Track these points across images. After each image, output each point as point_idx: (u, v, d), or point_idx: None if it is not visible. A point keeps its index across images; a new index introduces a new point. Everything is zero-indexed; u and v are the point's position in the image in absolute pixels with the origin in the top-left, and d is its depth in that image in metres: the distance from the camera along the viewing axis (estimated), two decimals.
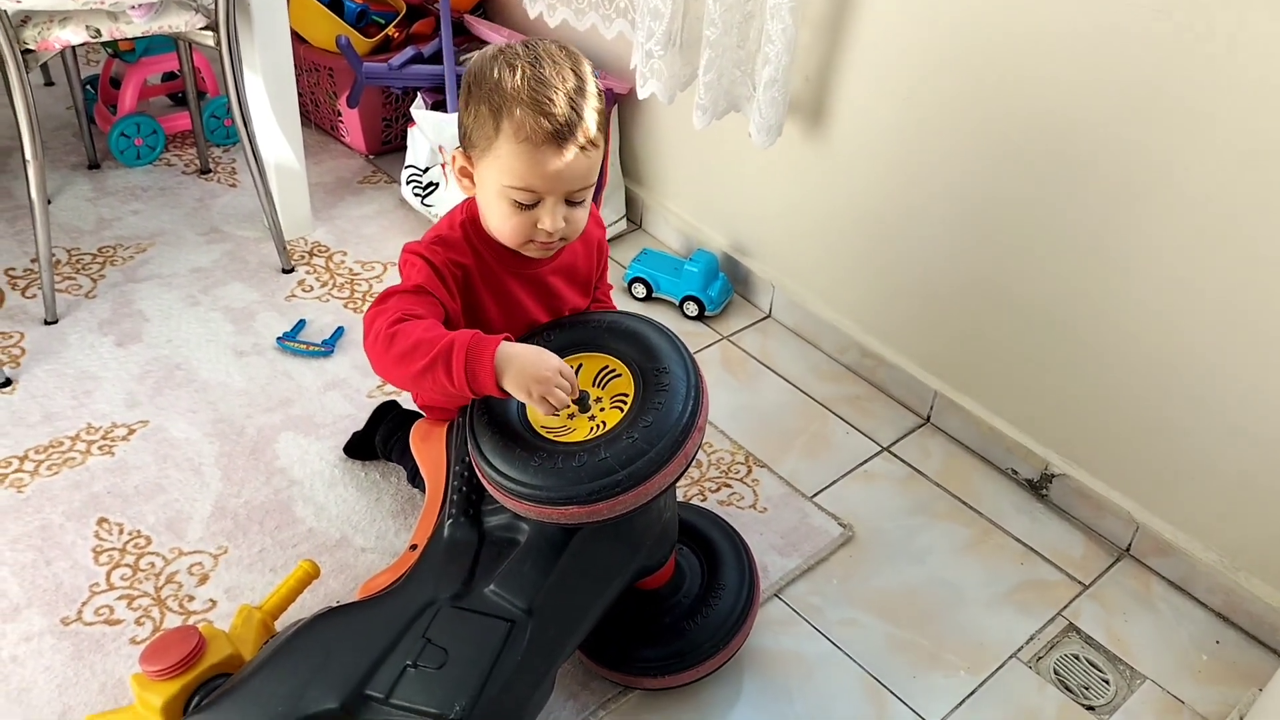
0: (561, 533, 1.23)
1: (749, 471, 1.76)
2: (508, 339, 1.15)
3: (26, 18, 1.68)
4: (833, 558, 1.63)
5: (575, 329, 1.27)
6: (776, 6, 1.67)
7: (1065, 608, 1.59)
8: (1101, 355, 1.62)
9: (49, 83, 2.61)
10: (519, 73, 1.14)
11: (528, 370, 1.11)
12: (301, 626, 1.24)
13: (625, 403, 1.19)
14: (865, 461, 1.82)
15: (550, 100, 1.13)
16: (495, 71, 1.16)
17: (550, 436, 1.18)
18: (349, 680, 1.16)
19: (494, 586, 1.22)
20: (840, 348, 2.02)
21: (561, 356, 1.19)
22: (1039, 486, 1.77)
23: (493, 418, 1.20)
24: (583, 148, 1.17)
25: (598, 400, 1.21)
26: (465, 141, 1.22)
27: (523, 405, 1.22)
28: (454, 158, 1.26)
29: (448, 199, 2.13)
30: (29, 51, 1.67)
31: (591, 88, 1.18)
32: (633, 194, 2.33)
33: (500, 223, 1.23)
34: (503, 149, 1.16)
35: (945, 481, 1.79)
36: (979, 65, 1.60)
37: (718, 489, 1.72)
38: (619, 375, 1.22)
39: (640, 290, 2.11)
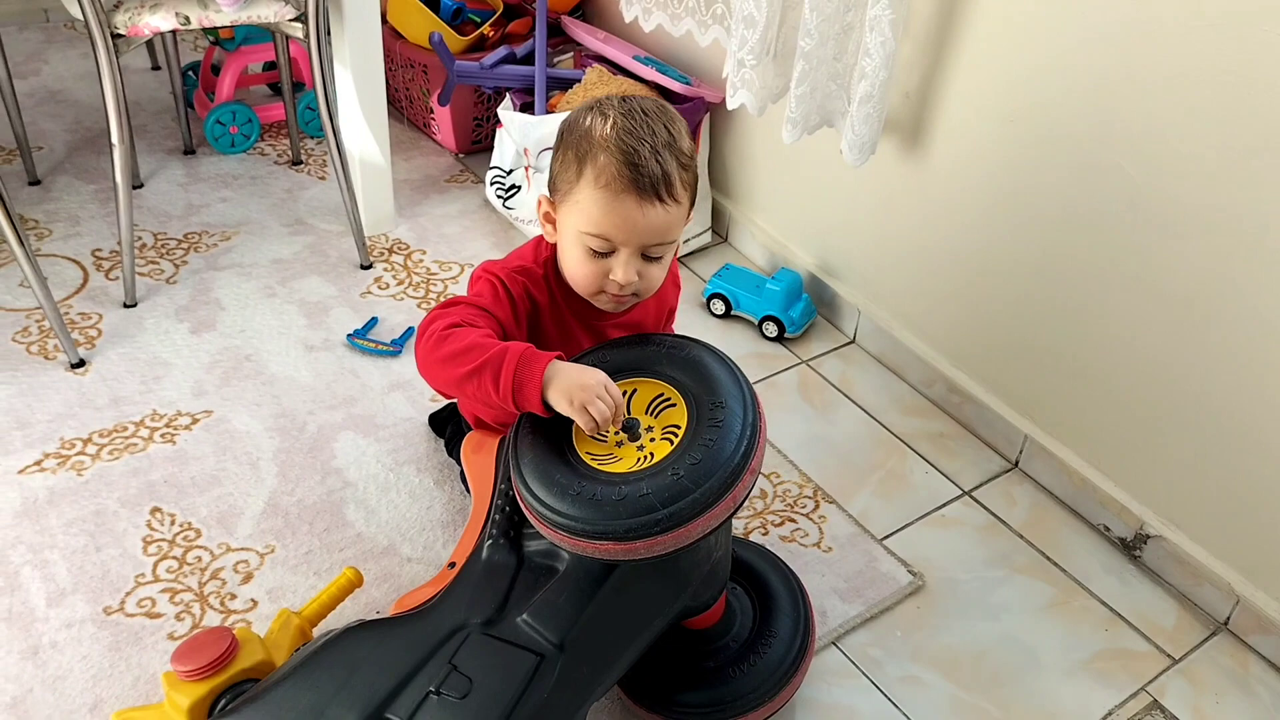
0: (602, 566, 1.17)
1: (816, 507, 1.67)
2: (560, 357, 1.12)
3: (118, 2, 1.69)
4: (899, 608, 1.53)
5: (633, 350, 1.21)
6: (876, 19, 1.58)
7: (1150, 682, 1.46)
8: (1211, 411, 1.48)
9: (155, 66, 2.66)
10: (609, 121, 1.14)
11: (572, 381, 1.08)
12: (330, 639, 1.20)
13: (676, 434, 1.11)
14: (943, 505, 1.71)
15: (635, 150, 1.12)
16: (587, 119, 1.16)
17: (594, 464, 1.12)
18: (370, 701, 1.12)
19: (527, 616, 1.16)
20: (926, 380, 1.91)
21: (616, 379, 1.15)
22: (1132, 547, 1.64)
23: (537, 438, 1.14)
24: (664, 202, 1.15)
25: (648, 429, 1.14)
26: (551, 186, 1.22)
27: (569, 430, 1.16)
28: (539, 202, 1.25)
29: (530, 202, 2.09)
30: (119, 36, 1.68)
31: (682, 145, 1.17)
32: (719, 206, 2.25)
33: (574, 269, 1.22)
34: (583, 194, 1.15)
35: (1029, 533, 1.67)
36: (1091, 94, 1.48)
37: (781, 523, 1.64)
38: (674, 405, 1.15)
39: (719, 307, 2.03)
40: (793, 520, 1.64)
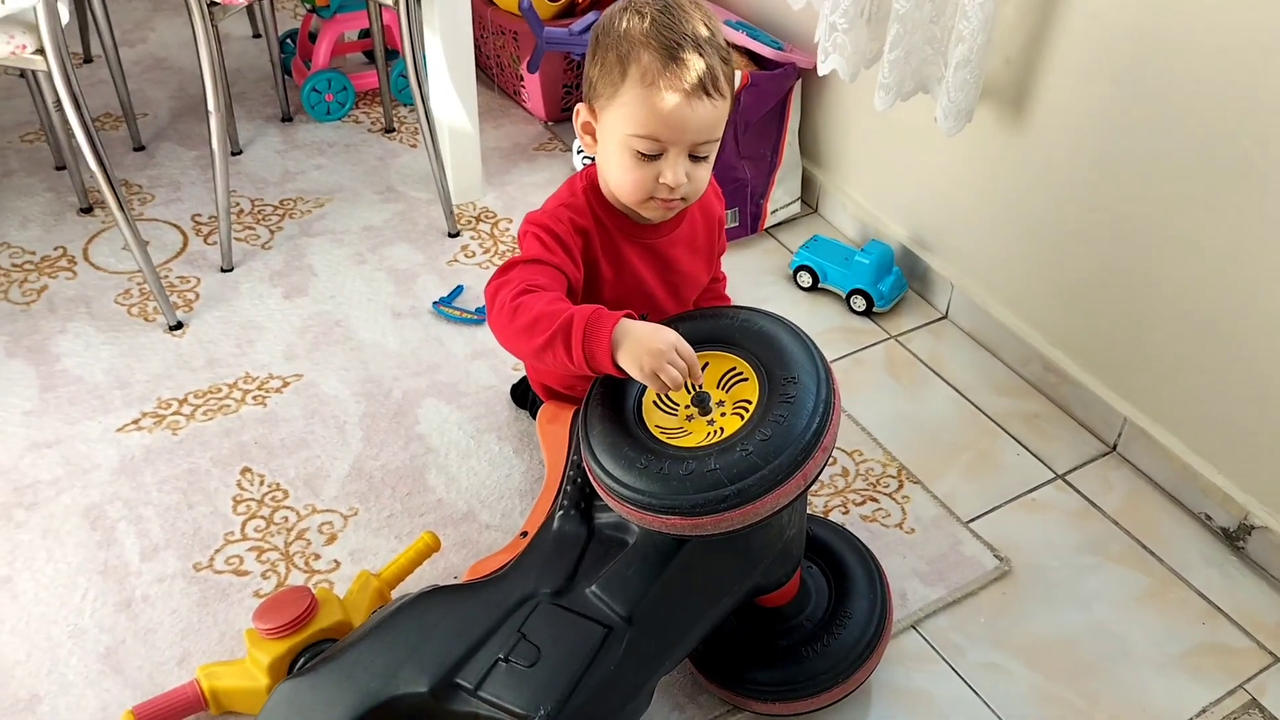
0: (672, 540, 1.15)
1: (900, 487, 1.63)
2: (629, 315, 1.09)
3: None
4: (983, 592, 1.49)
5: (705, 322, 1.18)
6: None
7: (1250, 680, 1.39)
8: None
9: (256, 35, 2.71)
10: (648, 19, 1.12)
11: (642, 343, 1.05)
12: (405, 603, 1.22)
13: (747, 409, 1.09)
14: (1035, 489, 1.65)
15: (678, 45, 1.10)
16: (624, 20, 1.13)
17: (663, 438, 1.10)
18: (441, 665, 1.13)
19: (596, 588, 1.16)
20: (1022, 359, 1.84)
21: None
22: (1235, 537, 1.56)
23: (607, 410, 1.13)
24: (710, 96, 1.12)
25: (719, 404, 1.12)
26: (590, 93, 1.19)
27: (640, 402, 1.14)
28: (577, 112, 1.22)
29: None
30: (214, 3, 1.72)
31: (720, 40, 1.14)
32: (810, 175, 2.20)
33: (621, 176, 1.18)
34: (628, 95, 1.12)
35: (1125, 520, 1.60)
36: (1212, 58, 1.39)
37: (862, 502, 1.60)
38: (745, 379, 1.13)
39: (805, 279, 1.99)
40: (874, 500, 1.61)
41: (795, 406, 1.05)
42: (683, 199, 1.20)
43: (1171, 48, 1.44)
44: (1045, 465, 1.69)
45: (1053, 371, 1.79)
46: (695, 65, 1.10)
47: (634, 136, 1.14)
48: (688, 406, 1.13)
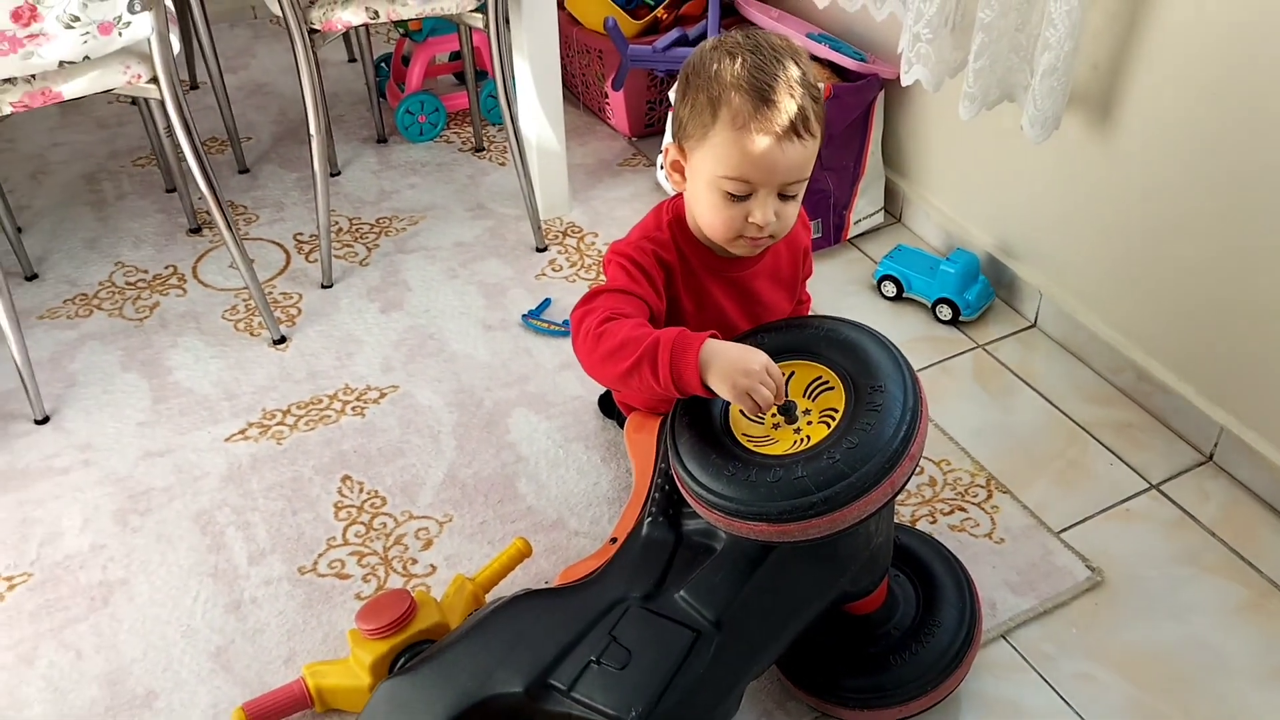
0: (758, 547, 1.17)
1: (989, 496, 1.62)
2: (715, 335, 1.12)
3: (314, 0, 1.79)
4: (1075, 603, 1.47)
5: (790, 332, 1.20)
6: None
7: None
8: None
9: (352, 59, 2.81)
10: (739, 61, 1.12)
11: (734, 364, 1.07)
12: (500, 606, 1.26)
13: (834, 418, 1.11)
14: (1128, 499, 1.63)
15: (770, 88, 1.10)
16: (715, 62, 1.14)
17: (750, 446, 1.12)
18: (535, 666, 1.17)
19: (684, 593, 1.18)
20: (1113, 367, 1.82)
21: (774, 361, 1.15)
22: None
23: (694, 419, 1.16)
24: (801, 138, 1.13)
25: (806, 412, 1.14)
26: (680, 133, 1.20)
27: (726, 410, 1.17)
28: (666, 151, 1.24)
29: None
30: (315, 31, 1.79)
31: (811, 77, 1.15)
32: (893, 185, 2.20)
33: (711, 216, 1.20)
34: (719, 137, 1.13)
35: (1222, 531, 1.57)
36: None
37: (950, 512, 1.60)
38: (831, 388, 1.14)
39: (890, 289, 1.99)
40: (963, 509, 1.60)
41: (882, 415, 1.06)
42: (771, 236, 1.21)
43: (1265, 55, 1.41)
44: (1139, 475, 1.67)
45: (1146, 380, 1.76)
46: (787, 108, 1.11)
47: (724, 178, 1.15)
48: (774, 415, 1.15)
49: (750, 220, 1.17)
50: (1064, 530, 1.57)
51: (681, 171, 1.23)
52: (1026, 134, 1.68)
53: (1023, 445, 1.72)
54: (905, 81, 1.80)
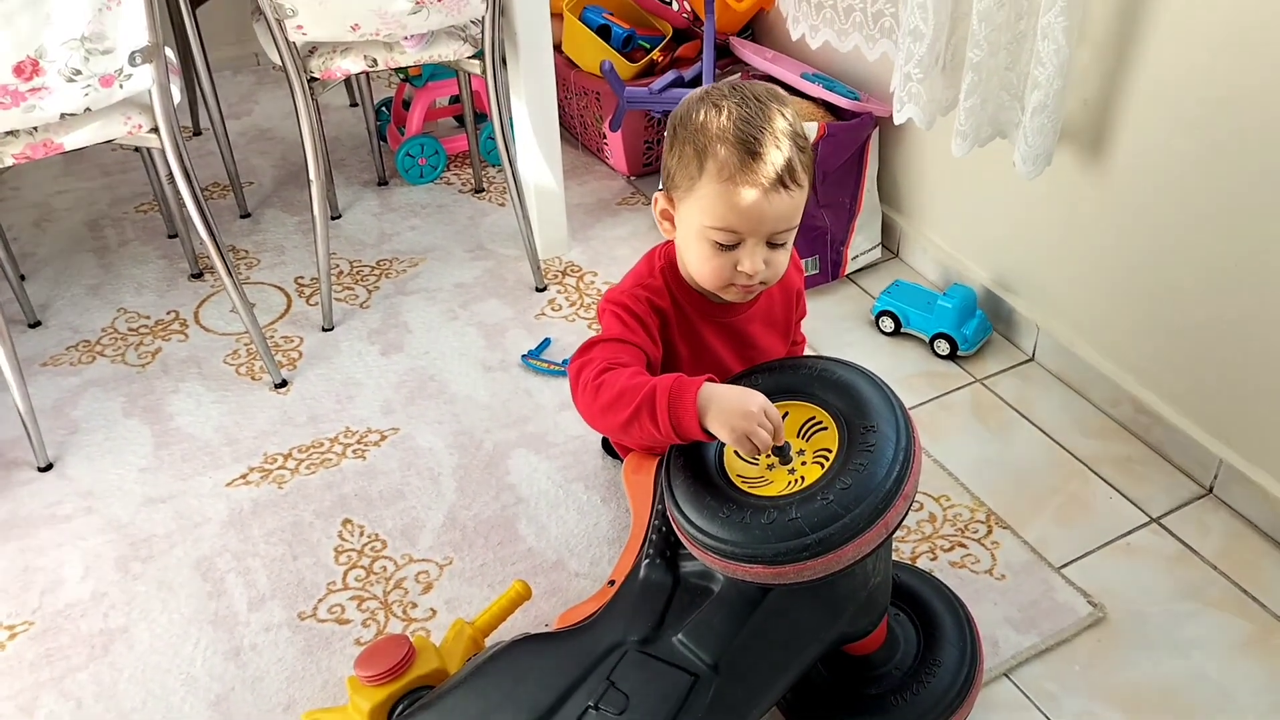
0: (756, 589, 1.17)
1: (989, 532, 1.62)
2: (711, 379, 1.12)
3: (313, 49, 1.82)
4: (1077, 639, 1.47)
5: (784, 374, 1.21)
6: (1049, 26, 1.53)
7: None
8: None
9: (353, 104, 2.84)
10: (724, 113, 1.13)
11: (732, 407, 1.07)
12: (498, 651, 1.25)
13: (827, 459, 1.11)
14: (1129, 533, 1.62)
15: (756, 140, 1.11)
16: (701, 112, 1.14)
17: (745, 488, 1.13)
18: (533, 713, 1.17)
19: (682, 636, 1.18)
20: (1111, 400, 1.82)
21: None
22: None
23: (689, 460, 1.16)
24: (787, 188, 1.13)
25: (800, 453, 1.15)
26: (668, 183, 1.21)
27: (721, 452, 1.17)
28: (655, 200, 1.25)
29: None
30: (314, 79, 1.82)
31: (798, 128, 1.15)
32: (890, 221, 2.21)
33: (700, 265, 1.21)
34: (705, 189, 1.14)
35: (1224, 565, 1.56)
36: None
37: (951, 548, 1.59)
38: (825, 429, 1.15)
39: (888, 324, 1.99)
40: (963, 545, 1.60)
41: (875, 455, 1.07)
42: (762, 283, 1.21)
43: (1249, 86, 1.42)
44: (1139, 509, 1.66)
45: (1144, 413, 1.76)
46: (773, 160, 1.11)
47: (712, 229, 1.16)
48: (769, 456, 1.15)
49: (739, 269, 1.18)
50: (1065, 566, 1.57)
51: (671, 220, 1.24)
52: (1019, 170, 1.69)
53: (1022, 480, 1.72)
54: (898, 120, 1.82)
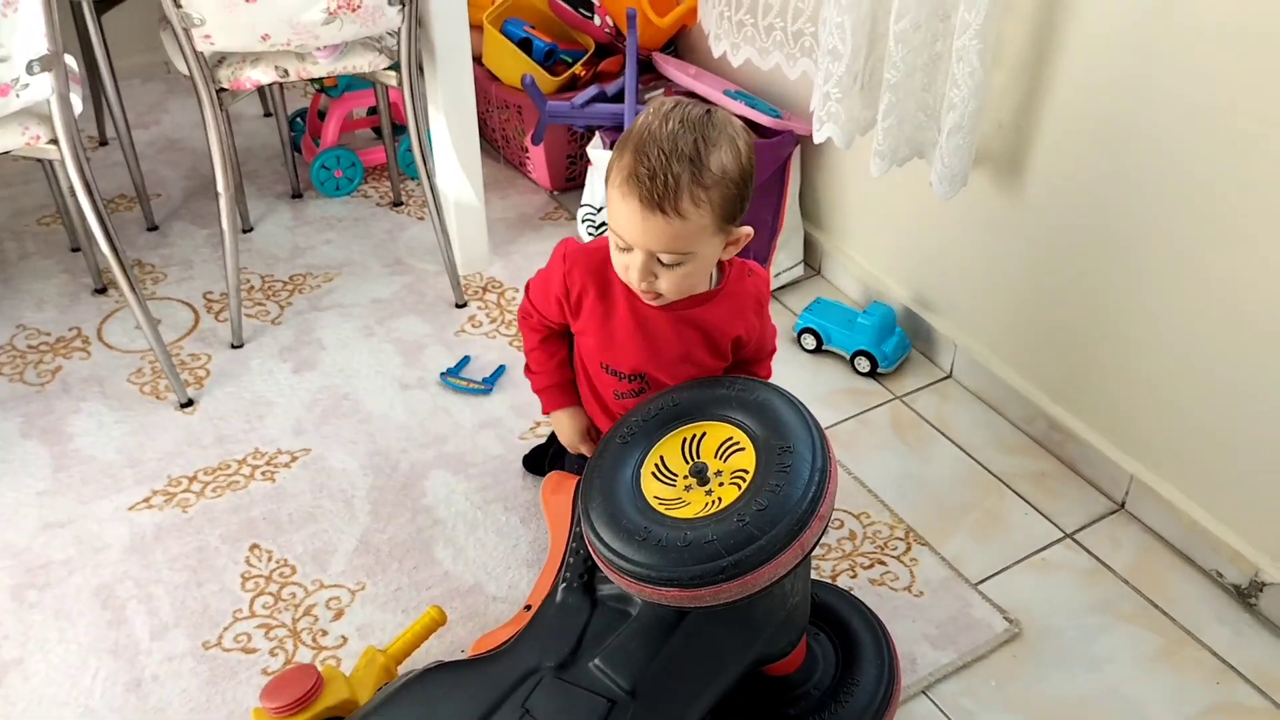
0: (673, 612, 1.16)
1: (908, 549, 1.62)
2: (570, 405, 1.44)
3: (222, 58, 1.77)
4: (993, 655, 1.48)
5: (702, 393, 1.20)
6: (964, 49, 1.54)
7: None
8: None
9: (267, 114, 2.77)
10: (646, 123, 1.12)
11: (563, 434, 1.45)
12: (410, 680, 1.22)
13: (744, 479, 1.10)
14: (1044, 549, 1.64)
15: (646, 156, 1.09)
16: (644, 115, 1.14)
17: (661, 509, 1.11)
18: None
19: (599, 661, 1.16)
20: (1026, 417, 1.84)
21: (684, 423, 1.18)
22: (1247, 595, 1.54)
23: (605, 483, 1.14)
24: (665, 214, 1.10)
25: (717, 474, 1.13)
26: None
27: (638, 473, 1.15)
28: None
29: None
30: (223, 90, 1.76)
31: (711, 162, 1.10)
32: (812, 239, 2.22)
33: (612, 254, 1.22)
34: (611, 189, 1.15)
35: (1135, 579, 1.59)
36: (1195, 118, 1.41)
37: (870, 566, 1.60)
38: (742, 449, 1.13)
39: (810, 342, 2.00)
40: (882, 563, 1.60)
41: (791, 476, 1.06)
42: (659, 294, 1.20)
43: (1158, 111, 1.46)
44: (1053, 524, 1.68)
45: (1058, 429, 1.79)
46: (658, 181, 1.08)
47: (610, 226, 1.18)
48: (686, 477, 1.14)
49: (627, 273, 1.18)
50: (982, 582, 1.58)
51: None
52: (936, 190, 1.71)
53: (940, 496, 1.73)
54: (818, 139, 1.83)
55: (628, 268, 1.18)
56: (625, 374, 1.31)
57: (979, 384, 1.92)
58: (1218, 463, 1.55)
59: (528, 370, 1.46)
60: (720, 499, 1.10)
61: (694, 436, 1.16)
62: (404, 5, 1.75)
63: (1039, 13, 1.58)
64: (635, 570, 1.05)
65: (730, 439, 1.15)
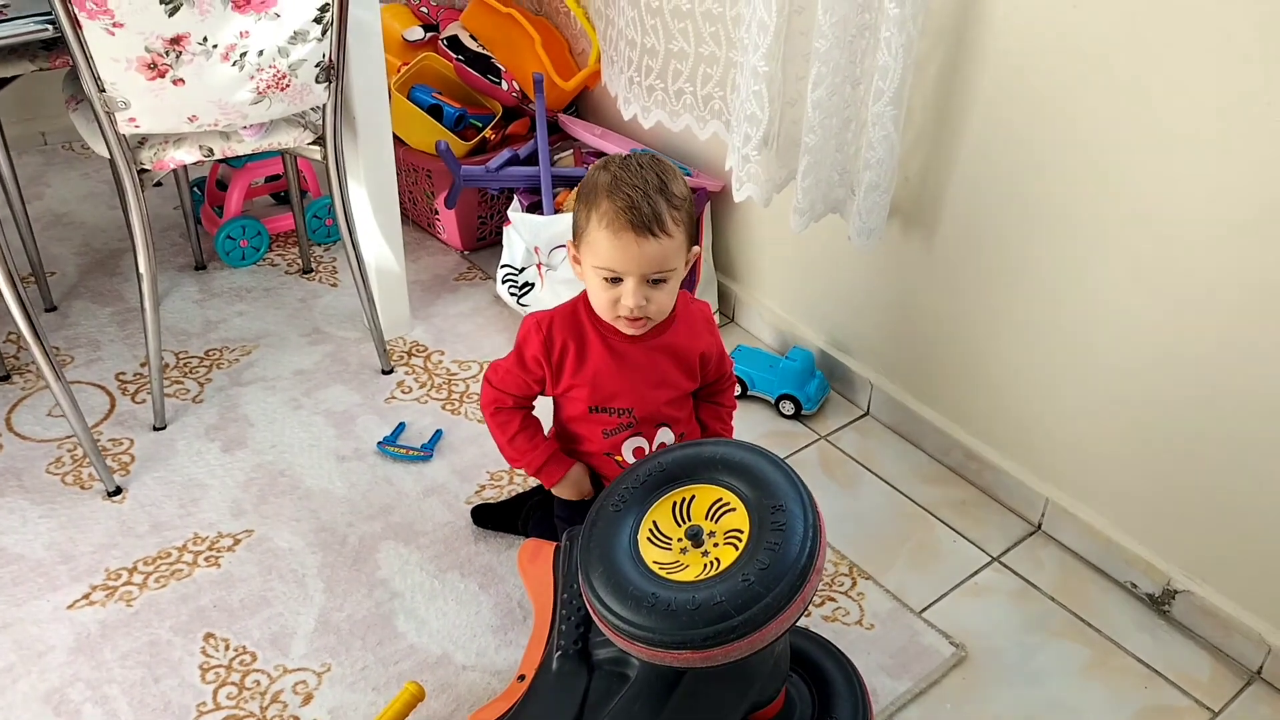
0: (673, 671, 1.20)
1: (854, 584, 1.71)
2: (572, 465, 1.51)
3: (144, 139, 1.74)
4: (945, 680, 1.57)
5: (687, 457, 1.25)
6: (879, 115, 1.66)
7: None
8: (1231, 464, 1.54)
9: (157, 184, 2.70)
10: (609, 174, 1.33)
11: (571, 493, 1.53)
12: None
13: (740, 539, 1.16)
14: (975, 573, 1.76)
15: (629, 195, 1.30)
16: (595, 175, 1.36)
17: (663, 574, 1.16)
18: None
19: None
20: (942, 448, 1.97)
21: (673, 487, 1.24)
22: (1160, 602, 1.69)
23: (604, 552, 1.18)
24: (656, 236, 1.31)
25: (710, 534, 1.19)
26: (575, 233, 1.39)
27: (635, 540, 1.20)
28: (568, 247, 1.44)
29: (544, 298, 2.14)
30: (145, 171, 1.73)
31: (674, 188, 1.34)
32: (725, 289, 2.32)
33: (595, 297, 1.40)
34: (593, 235, 1.33)
35: (1060, 595, 1.72)
36: (1088, 164, 1.56)
37: (821, 603, 1.68)
38: (733, 509, 1.20)
39: (735, 388, 2.08)
40: (833, 599, 1.68)
41: (786, 533, 1.12)
42: (648, 317, 1.38)
43: (1049, 161, 1.60)
44: (980, 549, 1.80)
45: (973, 458, 1.91)
46: (644, 210, 1.30)
47: (598, 267, 1.35)
48: (680, 540, 1.19)
49: (622, 303, 1.35)
50: (925, 609, 1.68)
51: (580, 263, 1.40)
52: (854, 244, 1.82)
53: (875, 530, 1.83)
54: (738, 198, 1.91)
55: (618, 299, 1.35)
56: (615, 409, 1.46)
57: (895, 419, 2.04)
58: (1126, 482, 1.70)
59: (515, 460, 1.52)
60: (718, 559, 1.15)
61: (684, 500, 1.21)
62: (330, 82, 1.76)
63: (941, 79, 1.71)
64: (646, 636, 1.10)
65: (720, 500, 1.21)
